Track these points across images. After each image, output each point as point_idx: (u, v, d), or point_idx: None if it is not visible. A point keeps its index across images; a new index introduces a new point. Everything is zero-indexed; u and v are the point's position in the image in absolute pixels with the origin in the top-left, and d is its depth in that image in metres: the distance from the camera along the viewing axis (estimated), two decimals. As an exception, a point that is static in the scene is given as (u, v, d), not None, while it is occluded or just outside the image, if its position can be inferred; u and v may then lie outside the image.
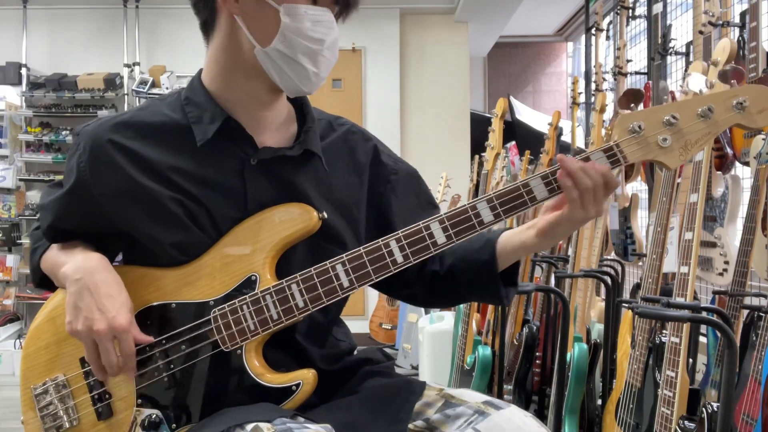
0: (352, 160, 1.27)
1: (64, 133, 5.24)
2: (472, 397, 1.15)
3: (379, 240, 1.13)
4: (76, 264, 1.14)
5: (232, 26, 1.15)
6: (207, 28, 1.20)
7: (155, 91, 5.26)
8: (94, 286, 1.11)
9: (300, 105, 1.28)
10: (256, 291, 1.13)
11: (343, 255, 1.13)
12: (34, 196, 5.27)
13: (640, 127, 1.11)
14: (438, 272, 1.27)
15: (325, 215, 1.17)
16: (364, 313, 5.36)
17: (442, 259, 1.27)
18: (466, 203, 1.14)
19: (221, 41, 1.18)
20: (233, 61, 1.17)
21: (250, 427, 1.01)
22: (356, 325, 5.00)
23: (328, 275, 1.13)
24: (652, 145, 1.11)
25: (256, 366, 1.13)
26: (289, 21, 1.11)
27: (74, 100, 5.29)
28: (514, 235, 1.20)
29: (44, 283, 1.27)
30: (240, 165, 1.17)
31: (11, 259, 5.23)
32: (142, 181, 1.14)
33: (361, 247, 1.13)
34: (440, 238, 1.13)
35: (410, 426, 1.15)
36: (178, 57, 5.42)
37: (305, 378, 1.12)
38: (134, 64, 5.40)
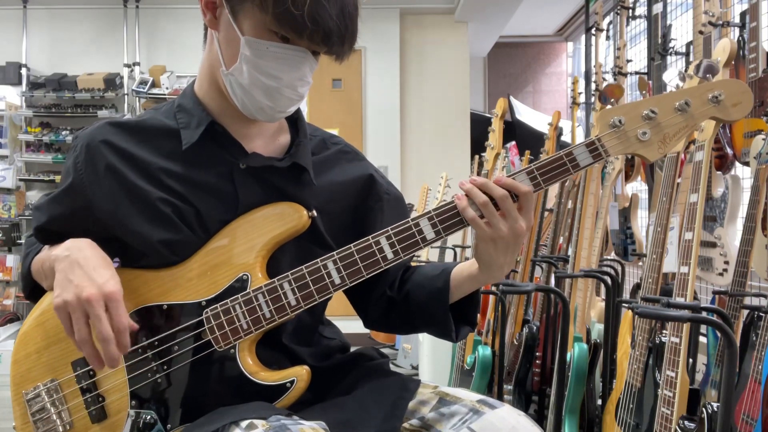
0: (343, 175, 1.28)
1: (64, 133, 5.24)
2: (467, 395, 1.14)
3: (369, 237, 1.14)
4: (66, 245, 1.14)
5: (213, 39, 1.17)
6: (205, 32, 1.21)
7: (155, 91, 5.26)
8: (84, 259, 1.10)
9: (295, 119, 1.29)
10: (248, 290, 1.14)
11: (334, 253, 1.14)
12: (34, 196, 5.27)
13: (620, 121, 1.12)
14: (394, 298, 1.28)
15: (315, 213, 1.18)
16: (364, 313, 5.35)
17: (400, 285, 1.28)
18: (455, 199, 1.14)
19: (208, 51, 1.20)
20: (213, 74, 1.19)
21: (245, 423, 1.01)
22: (356, 325, 4.96)
23: (319, 273, 1.13)
24: (632, 138, 1.13)
25: (249, 364, 1.13)
26: (248, 53, 1.10)
27: (74, 100, 5.29)
28: (464, 267, 1.21)
29: (34, 293, 1.26)
30: (229, 169, 1.19)
31: (11, 259, 5.23)
32: (134, 180, 1.16)
33: (351, 245, 1.14)
34: (429, 233, 1.13)
35: (405, 424, 1.15)
36: (178, 57, 5.42)
37: (299, 375, 1.13)
38: (134, 64, 5.40)
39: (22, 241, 5.20)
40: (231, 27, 1.11)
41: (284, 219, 1.16)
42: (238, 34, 1.10)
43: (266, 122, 1.21)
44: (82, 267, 1.09)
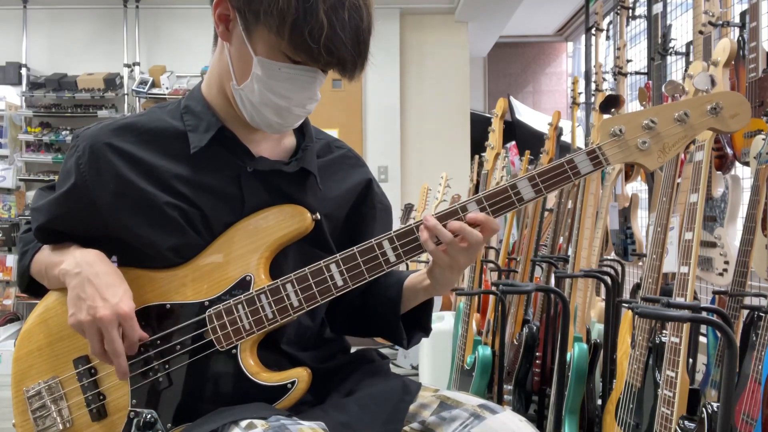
0: (344, 179, 1.30)
1: (64, 133, 5.25)
2: (468, 399, 1.15)
3: (372, 240, 1.14)
4: (75, 259, 1.14)
5: (223, 48, 1.17)
6: (216, 37, 1.20)
7: (155, 91, 5.26)
8: (95, 276, 1.11)
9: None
10: (250, 291, 1.14)
11: (337, 255, 1.14)
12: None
13: (621, 130, 1.14)
14: (357, 305, 1.30)
15: (318, 216, 1.18)
16: (364, 313, 5.35)
17: (362, 293, 1.29)
18: (457, 203, 1.15)
19: (218, 58, 1.19)
20: (221, 81, 1.19)
21: (244, 423, 1.01)
22: (356, 326, 4.99)
23: (322, 275, 1.14)
24: (632, 147, 1.15)
25: (251, 365, 1.13)
26: (260, 73, 1.10)
27: (74, 100, 5.29)
28: (416, 277, 1.24)
29: (32, 287, 1.27)
30: (236, 172, 1.19)
31: (11, 259, 5.23)
32: (140, 185, 1.15)
33: (354, 247, 1.14)
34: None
35: (406, 428, 1.15)
36: (178, 57, 5.42)
37: (300, 376, 1.13)
38: (134, 64, 5.41)
39: (22, 241, 5.19)
40: (244, 44, 1.10)
41: (288, 221, 1.16)
42: (251, 53, 1.10)
43: (272, 133, 1.22)
44: (95, 285, 1.10)
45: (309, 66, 1.10)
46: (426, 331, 1.30)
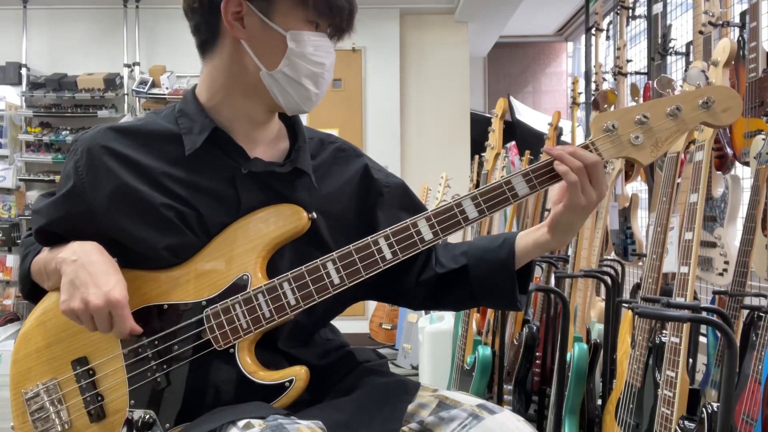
0: (342, 176, 1.30)
1: (64, 133, 5.25)
2: (467, 399, 1.14)
3: (368, 238, 1.15)
4: (73, 248, 1.15)
5: (236, 49, 1.18)
6: (205, 47, 1.22)
7: (155, 91, 5.26)
8: (90, 264, 1.12)
9: (292, 123, 1.31)
10: (248, 290, 1.14)
11: (333, 253, 1.14)
12: (34, 196, 5.27)
13: (613, 126, 1.15)
14: (448, 274, 1.28)
15: (315, 216, 1.19)
16: (364, 313, 5.35)
17: (454, 259, 1.28)
18: (452, 200, 1.15)
19: (222, 62, 1.20)
20: (233, 81, 1.20)
21: (242, 423, 1.01)
22: (356, 325, 5.00)
23: (318, 273, 1.14)
24: (625, 143, 1.15)
25: (248, 364, 1.13)
26: (294, 46, 1.15)
27: (74, 100, 5.29)
28: (528, 234, 1.23)
29: (32, 293, 1.27)
30: (231, 174, 1.19)
31: (11, 259, 5.23)
32: (136, 186, 1.16)
33: (350, 245, 1.15)
34: (427, 234, 1.15)
35: (404, 428, 1.15)
36: (178, 57, 5.41)
37: (298, 374, 1.13)
38: (134, 64, 5.40)
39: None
40: (267, 28, 1.15)
41: (284, 221, 1.17)
42: (280, 32, 1.15)
43: (305, 113, 1.26)
44: (89, 273, 1.11)
45: (324, 32, 1.19)
46: (528, 293, 1.28)
